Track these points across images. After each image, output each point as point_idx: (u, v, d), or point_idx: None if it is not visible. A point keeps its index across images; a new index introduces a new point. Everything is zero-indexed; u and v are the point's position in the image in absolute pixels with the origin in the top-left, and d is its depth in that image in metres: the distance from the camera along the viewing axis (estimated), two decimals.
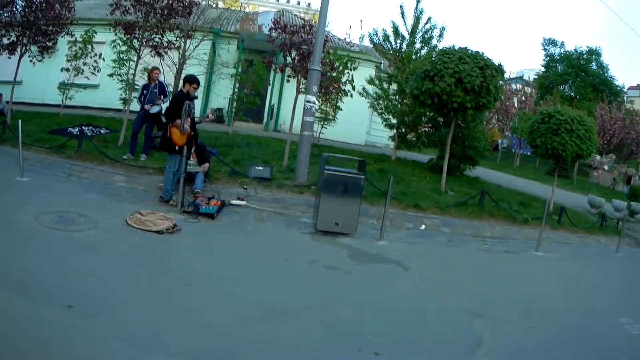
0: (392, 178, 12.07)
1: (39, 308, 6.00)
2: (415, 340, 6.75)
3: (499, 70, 16.24)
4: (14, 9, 19.28)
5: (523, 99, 46.43)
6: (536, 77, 66.26)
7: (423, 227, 13.44)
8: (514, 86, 55.07)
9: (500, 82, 16.70)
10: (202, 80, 23.58)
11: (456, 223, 14.08)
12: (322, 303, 7.57)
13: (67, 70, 22.63)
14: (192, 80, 12.33)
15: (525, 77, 74.87)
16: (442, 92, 15.65)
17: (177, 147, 11.87)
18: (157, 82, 15.50)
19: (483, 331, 7.22)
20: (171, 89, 18.74)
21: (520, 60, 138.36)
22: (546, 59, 65.56)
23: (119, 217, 10.45)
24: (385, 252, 10.81)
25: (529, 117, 36.79)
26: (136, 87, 17.84)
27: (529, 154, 40.29)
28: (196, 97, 12.66)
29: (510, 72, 78.06)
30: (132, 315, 6.05)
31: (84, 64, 22.43)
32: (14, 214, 9.62)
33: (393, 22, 22.92)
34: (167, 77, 18.71)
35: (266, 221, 12.15)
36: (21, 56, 19.08)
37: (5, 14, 19.43)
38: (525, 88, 53.13)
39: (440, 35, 22.42)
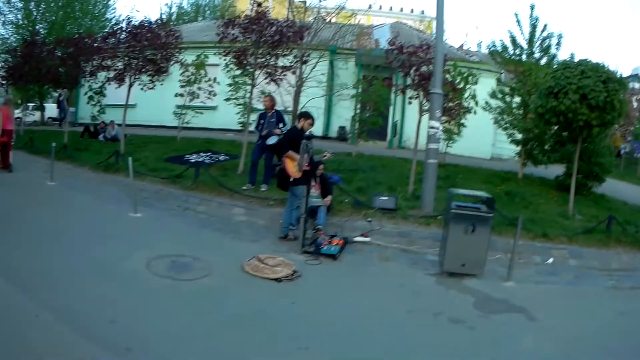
0: (521, 219, 11.20)
1: None
2: None
3: (622, 83, 15.22)
4: (119, 39, 19.52)
5: None
6: None
7: (551, 260, 12.58)
8: (630, 85, 52.56)
9: (622, 95, 15.54)
10: (321, 101, 23.27)
11: (583, 253, 13.04)
12: None
13: (182, 95, 22.63)
14: (307, 116, 12.26)
15: None
16: (567, 110, 14.71)
17: (291, 179, 11.57)
18: (273, 110, 15.15)
19: None
20: (290, 113, 18.31)
21: (634, 56, 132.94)
22: None
23: (236, 259, 10.10)
24: (512, 296, 10.01)
25: None
26: (254, 109, 17.56)
27: None
28: (313, 137, 12.33)
29: (624, 70, 75.38)
30: None
31: (199, 88, 22.39)
32: (125, 261, 9.48)
33: (510, 32, 22.27)
34: (285, 99, 18.33)
35: (391, 260, 11.58)
36: (130, 85, 19.18)
37: (109, 45, 19.72)
38: None
39: (558, 44, 21.56)
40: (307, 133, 12.09)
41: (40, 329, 6.44)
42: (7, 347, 5.92)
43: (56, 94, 42.61)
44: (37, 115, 40.06)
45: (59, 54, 23.03)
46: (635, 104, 43.25)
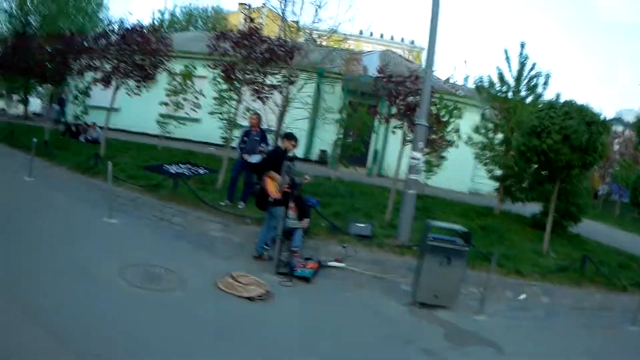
0: (497, 255, 11.56)
1: None
2: None
3: (606, 125, 15.29)
4: (109, 40, 19.49)
5: (625, 144, 44.87)
6: (636, 119, 63.50)
7: (523, 296, 12.67)
8: (613, 128, 52.89)
9: (605, 138, 15.68)
10: (305, 123, 23.24)
11: (556, 291, 13.17)
12: None
13: (166, 104, 22.60)
14: (291, 137, 12.36)
15: (625, 119, 71.77)
16: (549, 149, 14.82)
17: (271, 199, 11.56)
18: (258, 129, 15.16)
19: None
20: (274, 133, 18.30)
21: (618, 100, 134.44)
22: None
23: (209, 275, 10.12)
24: (483, 330, 10.09)
25: (629, 164, 35.49)
26: (238, 125, 17.55)
27: (627, 200, 39.07)
28: (296, 158, 12.40)
29: (608, 112, 75.78)
30: None
31: (184, 99, 22.35)
32: (98, 266, 9.42)
33: (498, 68, 22.13)
34: (269, 118, 18.32)
35: (364, 287, 11.57)
36: (117, 88, 19.15)
37: (99, 45, 19.69)
38: (626, 132, 51.20)
39: (546, 83, 21.54)
40: (290, 154, 12.09)
41: (13, 327, 6.41)
42: None
43: (41, 89, 42.55)
44: (20, 108, 39.89)
45: (49, 49, 22.95)
46: (616, 147, 43.52)
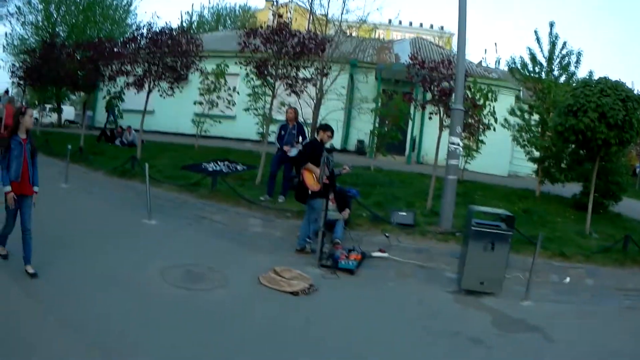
0: (541, 238, 11.18)
1: None
2: None
3: None
4: (139, 44, 19.52)
5: None
6: None
7: (567, 279, 12.51)
8: None
9: None
10: (340, 114, 23.13)
11: (600, 273, 12.96)
12: None
13: (201, 103, 22.65)
14: (326, 128, 12.27)
15: None
16: (586, 128, 14.67)
17: (310, 192, 11.51)
18: (295, 122, 15.13)
19: None
20: (309, 125, 18.22)
21: None
22: None
23: (252, 271, 10.07)
24: (529, 316, 9.93)
25: None
26: (273, 120, 17.52)
27: None
28: (334, 149, 12.33)
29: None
30: None
31: (218, 97, 22.39)
32: (139, 269, 9.45)
33: (529, 49, 22.09)
34: (305, 111, 18.27)
35: (408, 276, 11.47)
36: (149, 91, 19.17)
37: (129, 50, 19.73)
38: None
39: (578, 61, 21.33)
40: (327, 146, 12.03)
41: (51, 336, 6.38)
42: (14, 353, 5.91)
43: (74, 97, 42.82)
44: (54, 117, 40.16)
45: (78, 57, 23.06)
46: None
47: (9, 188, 8.18)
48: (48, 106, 38.09)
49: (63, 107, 40.76)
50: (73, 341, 6.40)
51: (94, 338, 6.58)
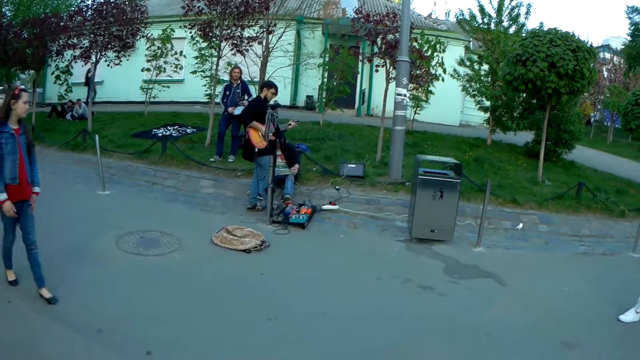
0: (489, 184, 11.11)
1: (117, 356, 5.71)
2: None
3: (592, 52, 15.15)
4: (84, 16, 19.37)
5: (613, 70, 44.44)
6: (623, 46, 62.39)
7: (520, 225, 12.61)
8: (601, 55, 52.30)
9: (592, 64, 15.56)
10: (288, 71, 23.09)
11: (553, 219, 13.12)
12: (416, 338, 6.88)
13: (148, 70, 22.56)
14: (269, 85, 12.12)
15: (612, 46, 70.51)
16: (535, 77, 14.76)
17: (257, 150, 11.49)
18: (239, 81, 15.00)
19: None
20: (258, 84, 18.20)
21: (605, 27, 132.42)
22: (631, 28, 61.47)
23: (205, 233, 10.09)
24: (482, 262, 10.07)
25: (619, 91, 35.27)
26: (220, 80, 17.56)
27: (619, 127, 39.00)
28: (279, 106, 12.31)
29: (595, 41, 74.75)
30: None
31: (165, 62, 22.32)
32: (94, 239, 9.33)
33: (479, 1, 22.06)
34: (252, 70, 18.25)
35: (359, 227, 11.56)
36: (97, 62, 19.03)
37: (75, 22, 19.56)
38: (614, 58, 50.77)
39: (527, 13, 21.53)
40: (272, 102, 11.96)
41: (13, 315, 6.37)
42: None
43: (24, 76, 42.18)
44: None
45: (25, 35, 22.76)
46: (605, 74, 43.16)
47: (4, 195, 6.55)
48: None
49: None
50: (36, 316, 6.39)
51: (54, 309, 6.56)
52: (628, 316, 7.84)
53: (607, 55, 53.13)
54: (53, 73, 25.27)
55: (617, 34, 76.63)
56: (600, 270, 10.45)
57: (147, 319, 6.61)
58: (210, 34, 16.57)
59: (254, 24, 16.98)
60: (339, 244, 10.56)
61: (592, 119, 43.77)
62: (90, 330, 6.10)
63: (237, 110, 14.41)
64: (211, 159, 14.80)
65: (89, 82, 26.19)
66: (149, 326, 6.40)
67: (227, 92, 14.96)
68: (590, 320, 7.82)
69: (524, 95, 18.28)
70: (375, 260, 9.75)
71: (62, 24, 20.83)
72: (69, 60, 21.76)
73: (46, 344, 5.77)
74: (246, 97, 14.77)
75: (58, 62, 22.84)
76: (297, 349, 6.24)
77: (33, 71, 26.89)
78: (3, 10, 37.20)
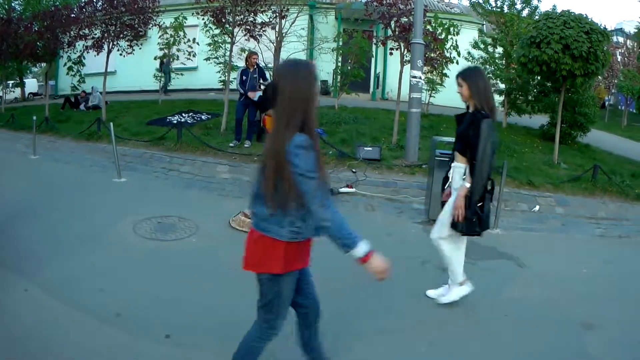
0: (506, 166, 11.15)
1: (134, 340, 5.59)
2: None
3: (605, 34, 15.08)
4: (95, 7, 19.38)
5: (626, 54, 44.16)
6: (636, 30, 62.06)
7: (537, 208, 12.56)
8: (614, 39, 51.96)
9: (606, 46, 15.47)
10: (302, 56, 23.08)
11: (570, 202, 13.07)
12: (435, 318, 6.79)
13: (162, 58, 22.60)
14: None
15: (626, 30, 70.04)
16: (549, 59, 14.67)
17: None
18: (256, 66, 15.02)
19: (593, 349, 6.23)
20: (271, 69, 18.15)
21: (618, 11, 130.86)
22: None
23: (223, 217, 10.03)
24: (500, 244, 9.97)
25: (633, 74, 35.03)
26: (234, 66, 17.50)
27: (634, 110, 38.74)
28: None
29: (608, 24, 74.24)
30: (235, 346, 5.35)
31: (178, 50, 22.31)
32: (111, 227, 9.27)
33: None
34: (266, 55, 18.20)
35: (376, 210, 11.50)
36: (109, 52, 19.04)
37: (85, 13, 19.59)
38: (627, 42, 50.44)
39: None
40: None
41: (30, 303, 6.33)
42: None
43: (35, 69, 42.30)
44: (17, 92, 39.75)
45: (36, 29, 22.77)
46: (619, 57, 42.89)
47: None
48: (11, 82, 37.63)
49: (25, 80, 40.33)
50: (51, 305, 6.35)
51: (72, 296, 6.52)
52: None
53: (621, 39, 52.64)
54: (65, 65, 25.29)
55: (631, 18, 75.96)
56: (617, 252, 10.36)
57: (165, 303, 6.56)
58: (223, 20, 16.53)
59: (266, 9, 16.93)
60: (356, 226, 10.29)
61: (607, 103, 43.51)
62: (108, 315, 6.05)
63: (257, 96, 14.41)
64: (230, 144, 14.87)
65: (165, 70, 26.20)
66: (167, 310, 6.35)
67: (245, 77, 14.90)
68: (610, 302, 7.72)
69: (539, 77, 18.22)
70: (393, 242, 9.66)
71: (72, 15, 20.86)
72: (80, 51, 21.77)
73: (63, 331, 5.73)
74: (263, 81, 14.74)
75: (70, 53, 22.86)
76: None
77: (45, 64, 26.96)
78: (13, 4, 37.26)
